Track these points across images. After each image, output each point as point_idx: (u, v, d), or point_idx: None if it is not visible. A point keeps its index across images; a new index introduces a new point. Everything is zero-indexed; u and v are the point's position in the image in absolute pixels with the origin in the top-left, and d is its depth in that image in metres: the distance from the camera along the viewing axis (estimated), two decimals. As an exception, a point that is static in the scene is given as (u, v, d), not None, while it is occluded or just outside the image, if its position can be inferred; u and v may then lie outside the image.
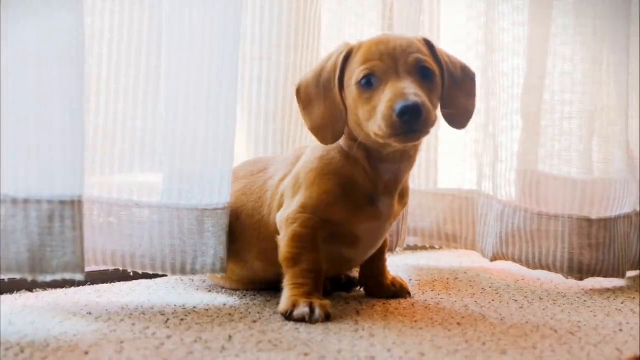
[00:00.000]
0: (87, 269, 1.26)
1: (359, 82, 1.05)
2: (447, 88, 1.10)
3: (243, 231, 1.19)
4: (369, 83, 1.04)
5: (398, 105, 0.98)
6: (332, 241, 1.13)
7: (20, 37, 0.96)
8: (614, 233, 1.41)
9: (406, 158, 1.12)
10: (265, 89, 1.38)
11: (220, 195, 1.16)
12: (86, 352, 0.87)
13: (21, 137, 0.97)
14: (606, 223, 1.41)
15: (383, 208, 1.12)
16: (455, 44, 1.63)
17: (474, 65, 1.57)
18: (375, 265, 1.24)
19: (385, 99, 1.01)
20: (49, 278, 0.99)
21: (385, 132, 1.01)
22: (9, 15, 0.95)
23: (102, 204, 1.14)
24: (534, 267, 1.44)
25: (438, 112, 1.10)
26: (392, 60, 1.04)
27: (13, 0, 0.96)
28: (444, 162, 1.68)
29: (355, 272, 1.31)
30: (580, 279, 1.40)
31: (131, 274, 1.24)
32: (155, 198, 1.16)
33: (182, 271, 1.15)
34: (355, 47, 1.09)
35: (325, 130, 1.09)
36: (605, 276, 1.41)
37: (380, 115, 1.01)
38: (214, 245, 1.15)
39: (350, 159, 1.11)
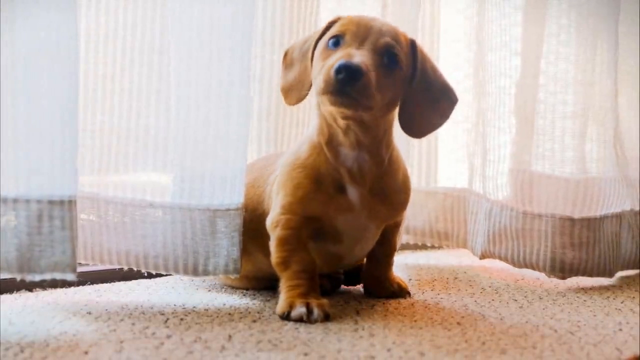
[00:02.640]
0: (89, 268, 1.27)
1: (327, 41, 1.07)
2: (416, 93, 1.10)
3: (249, 223, 1.19)
4: (336, 43, 1.06)
5: (338, 63, 1.00)
6: (318, 238, 1.13)
7: (10, 36, 0.96)
8: (599, 233, 1.41)
9: (364, 147, 1.10)
10: (259, 88, 1.37)
11: (233, 195, 1.15)
12: (86, 352, 0.87)
13: (11, 137, 0.97)
14: (590, 223, 1.41)
15: (353, 198, 1.11)
16: (454, 44, 1.63)
17: (472, 65, 1.58)
18: (379, 265, 1.24)
19: (334, 58, 1.03)
20: (37, 278, 0.98)
21: (321, 87, 1.02)
22: (1, 14, 0.95)
23: (117, 204, 1.14)
24: (519, 266, 1.44)
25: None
26: (365, 33, 1.06)
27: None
28: (438, 161, 1.68)
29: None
30: (563, 278, 1.41)
31: (146, 273, 1.23)
32: (169, 198, 1.15)
33: (195, 272, 1.15)
34: (342, 17, 1.11)
35: (292, 92, 1.13)
36: (590, 276, 1.41)
37: (323, 71, 1.02)
38: (226, 247, 1.15)
39: (316, 147, 1.12)
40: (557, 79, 1.46)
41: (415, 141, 1.60)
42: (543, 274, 1.43)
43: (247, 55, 1.15)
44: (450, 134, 1.65)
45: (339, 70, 0.99)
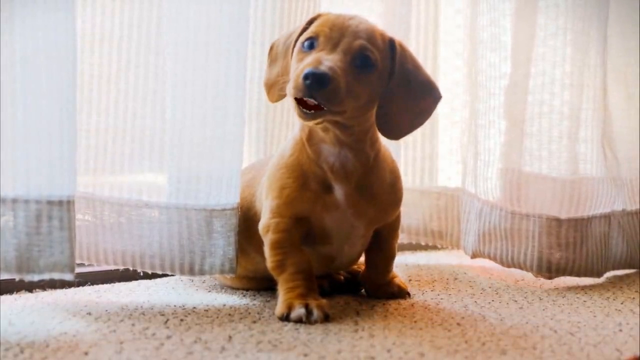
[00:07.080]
0: (89, 269, 1.27)
1: (302, 43, 1.07)
2: (394, 93, 1.09)
3: (245, 222, 1.19)
4: (310, 46, 1.06)
5: (306, 70, 1.00)
6: (308, 241, 1.13)
7: (9, 36, 0.96)
8: (586, 233, 1.41)
9: (345, 146, 1.10)
10: (249, 88, 1.37)
11: (229, 195, 1.16)
12: (86, 353, 0.87)
13: (10, 137, 0.97)
14: (577, 223, 1.41)
15: (339, 196, 1.10)
16: (455, 44, 1.62)
17: (468, 64, 1.58)
18: (378, 271, 1.23)
19: (306, 62, 1.03)
20: (36, 278, 0.99)
21: (290, 92, 1.02)
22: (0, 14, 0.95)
23: (112, 204, 1.15)
24: (508, 266, 1.44)
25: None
26: (339, 35, 1.05)
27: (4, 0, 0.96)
28: (435, 160, 1.67)
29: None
30: (550, 278, 1.41)
31: (141, 273, 1.23)
32: (165, 198, 1.16)
33: (191, 272, 1.16)
34: (322, 14, 1.11)
35: (274, 88, 1.13)
36: (577, 275, 1.42)
37: (293, 76, 1.02)
38: (222, 246, 1.16)
39: (299, 144, 1.12)
40: (547, 80, 1.46)
41: (411, 140, 1.60)
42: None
43: (243, 56, 1.16)
44: (447, 135, 1.65)
45: (306, 77, 0.99)
